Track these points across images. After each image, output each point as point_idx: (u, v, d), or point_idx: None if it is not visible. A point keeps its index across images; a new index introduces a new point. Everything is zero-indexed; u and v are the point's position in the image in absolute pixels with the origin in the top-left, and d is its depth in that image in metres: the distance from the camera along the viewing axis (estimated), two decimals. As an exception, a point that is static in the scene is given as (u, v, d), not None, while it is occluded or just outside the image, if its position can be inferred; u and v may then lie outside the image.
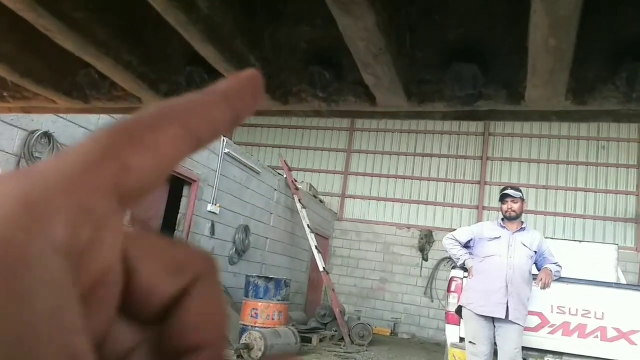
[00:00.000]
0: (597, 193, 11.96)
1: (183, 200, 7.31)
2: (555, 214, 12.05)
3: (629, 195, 11.77)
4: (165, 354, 0.20)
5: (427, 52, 0.79)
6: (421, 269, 12.40)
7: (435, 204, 12.91)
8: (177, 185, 7.19)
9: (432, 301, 12.00)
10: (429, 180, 13.11)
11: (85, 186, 0.16)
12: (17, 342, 0.13)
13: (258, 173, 9.10)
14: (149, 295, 0.19)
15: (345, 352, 7.78)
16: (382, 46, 0.69)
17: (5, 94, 1.10)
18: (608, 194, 11.91)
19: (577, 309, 4.63)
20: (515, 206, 4.28)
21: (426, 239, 12.40)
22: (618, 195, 11.85)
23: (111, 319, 0.19)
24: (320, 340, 8.33)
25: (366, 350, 8.31)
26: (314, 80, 0.84)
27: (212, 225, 7.72)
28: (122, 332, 0.20)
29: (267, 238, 9.67)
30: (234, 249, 8.38)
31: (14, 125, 4.46)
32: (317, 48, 0.83)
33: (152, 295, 0.19)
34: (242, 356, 6.06)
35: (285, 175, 10.27)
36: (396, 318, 12.07)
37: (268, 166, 10.13)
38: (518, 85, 0.79)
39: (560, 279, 4.48)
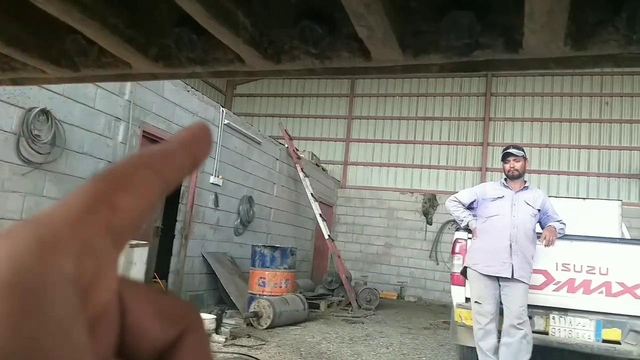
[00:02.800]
0: (601, 150, 11.90)
1: (186, 174, 7.31)
2: (559, 173, 12.02)
3: (633, 151, 11.71)
4: None
5: (422, 1, 0.76)
6: (426, 233, 12.48)
7: (438, 167, 12.89)
8: (179, 158, 7.17)
9: (437, 264, 12.13)
10: (431, 144, 13.05)
11: (87, 226, 0.18)
12: (32, 355, 0.15)
13: (259, 143, 9.07)
14: (142, 338, 0.21)
15: (353, 317, 7.91)
16: (374, -6, 0.66)
17: (-8, 65, 1.08)
18: (612, 151, 11.84)
19: (581, 266, 4.66)
20: (518, 165, 4.26)
21: (430, 203, 12.44)
22: (622, 151, 11.78)
23: (110, 357, 0.20)
24: (328, 306, 8.46)
25: (374, 314, 8.45)
26: (305, 36, 0.82)
27: (216, 197, 7.75)
28: None
29: (271, 208, 9.71)
30: (239, 220, 8.43)
31: (11, 104, 4.42)
32: (308, 2, 0.81)
33: (145, 338, 0.21)
34: (251, 324, 6.16)
35: (286, 145, 10.23)
36: (402, 282, 12.22)
37: (269, 136, 10.08)
38: (515, 32, 0.76)
39: (564, 237, 4.49)
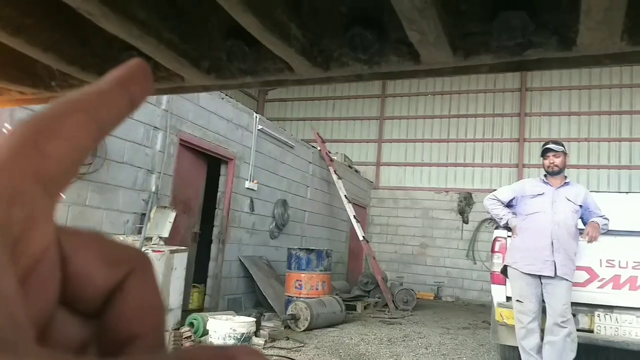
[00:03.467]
0: (643, 142, 11.50)
1: (221, 179, 7.43)
2: (599, 167, 11.67)
3: (677, 142, 11.28)
4: (105, 347, 0.21)
5: (473, 3, 0.77)
6: (462, 232, 12.30)
7: (473, 165, 12.69)
8: (215, 164, 7.30)
9: (475, 263, 11.94)
10: (465, 142, 12.87)
11: (12, 172, 0.17)
12: None
13: (292, 147, 9.14)
14: (85, 284, 0.20)
15: (390, 318, 7.86)
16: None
17: (53, 83, 1.13)
18: (655, 143, 11.44)
19: (627, 262, 4.51)
20: (558, 160, 4.16)
21: (465, 202, 12.26)
22: (666, 142, 11.36)
23: (51, 306, 0.20)
24: (365, 308, 8.44)
25: (411, 315, 8.38)
26: (355, 43, 0.83)
27: (251, 202, 7.84)
28: (68, 326, 0.21)
29: (305, 211, 9.75)
30: (274, 224, 8.51)
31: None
32: (357, 10, 0.82)
33: (89, 284, 0.20)
34: (289, 326, 6.21)
35: (319, 148, 10.27)
36: (439, 282, 12.08)
37: (301, 139, 10.14)
38: (569, 30, 0.76)
39: (608, 232, 4.37)
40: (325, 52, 0.88)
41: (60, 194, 0.19)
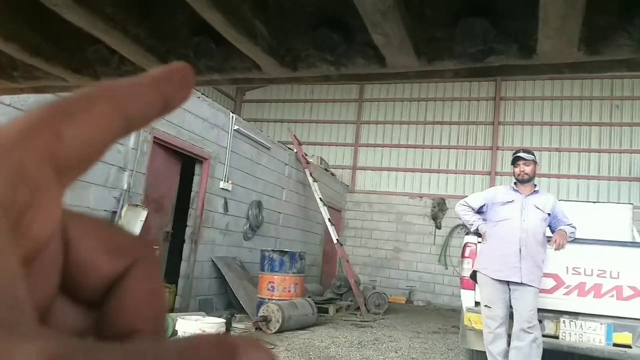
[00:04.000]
0: (612, 153, 11.82)
1: (195, 179, 7.36)
2: (569, 177, 11.95)
3: (644, 155, 11.63)
4: (104, 338, 0.20)
5: (437, 8, 0.78)
6: (435, 237, 12.44)
7: (447, 172, 12.86)
8: (189, 164, 7.23)
9: (447, 268, 12.08)
10: (440, 148, 13.03)
11: (23, 149, 0.16)
12: None
13: (268, 149, 9.11)
14: (88, 272, 0.20)
15: (362, 321, 7.89)
16: (391, 2, 0.68)
17: (15, 74, 1.11)
18: (622, 154, 11.76)
19: (592, 270, 4.62)
20: (528, 169, 4.25)
21: (439, 207, 12.41)
22: (633, 154, 11.70)
23: (53, 291, 0.19)
24: (337, 311, 8.45)
25: (382, 319, 8.43)
26: (322, 44, 0.84)
27: (225, 202, 7.79)
28: (68, 314, 0.20)
29: (280, 213, 9.73)
30: (248, 225, 8.46)
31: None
32: (324, 10, 0.83)
33: (91, 273, 0.20)
34: (260, 328, 6.18)
35: (295, 150, 10.26)
36: (411, 286, 12.19)
37: (278, 141, 10.12)
38: (529, 38, 0.78)
39: (575, 240, 4.48)
40: (292, 51, 0.88)
41: (73, 179, 0.18)
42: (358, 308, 8.88)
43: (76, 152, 0.17)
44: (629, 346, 4.35)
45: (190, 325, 4.19)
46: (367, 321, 7.94)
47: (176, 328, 4.89)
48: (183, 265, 7.18)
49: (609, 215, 6.04)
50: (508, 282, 4.14)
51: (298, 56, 0.88)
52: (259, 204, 8.69)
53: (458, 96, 13.12)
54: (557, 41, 0.76)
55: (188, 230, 7.24)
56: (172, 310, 6.74)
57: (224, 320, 4.67)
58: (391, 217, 12.89)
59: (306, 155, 10.56)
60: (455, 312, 9.45)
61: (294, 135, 10.71)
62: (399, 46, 0.79)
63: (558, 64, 0.85)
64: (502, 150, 12.28)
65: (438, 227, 12.43)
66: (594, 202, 6.88)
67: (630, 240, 5.62)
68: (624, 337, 4.41)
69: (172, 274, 7.11)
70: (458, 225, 11.48)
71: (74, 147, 0.17)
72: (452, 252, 11.82)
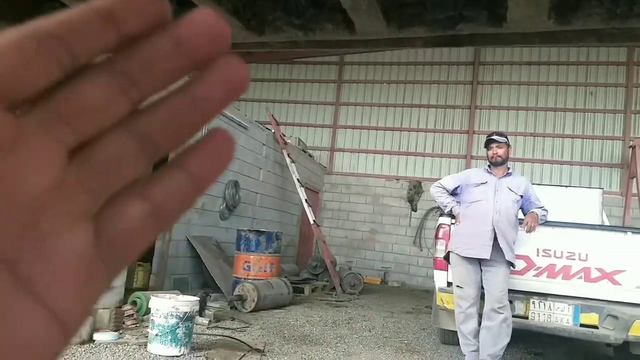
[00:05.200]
0: (585, 139, 12.05)
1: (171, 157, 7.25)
2: (543, 161, 12.15)
3: (615, 141, 11.87)
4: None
5: (405, -30, 0.76)
6: (410, 219, 12.57)
7: (424, 155, 12.95)
8: (164, 141, 7.11)
9: (421, 250, 12.24)
10: (417, 132, 13.09)
11: None
12: None
13: (246, 128, 9.02)
14: None
15: (337, 301, 7.96)
16: (357, -41, 0.65)
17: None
18: (595, 140, 12.00)
19: (562, 252, 4.73)
20: (501, 151, 4.29)
21: (415, 190, 12.51)
22: (605, 141, 11.94)
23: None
24: (313, 291, 8.50)
25: (357, 299, 8.52)
26: (289, 7, 0.81)
27: (201, 181, 7.70)
28: None
29: (257, 193, 9.68)
30: (225, 205, 8.40)
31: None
32: (290, -30, 0.79)
33: None
34: (236, 307, 6.18)
35: (273, 130, 10.19)
36: (386, 267, 12.33)
37: (256, 121, 10.02)
38: (499, 6, 0.77)
39: (546, 223, 4.56)
40: (258, 15, 0.85)
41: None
42: (333, 288, 8.96)
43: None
44: (595, 327, 4.47)
45: (163, 303, 4.16)
46: (342, 301, 8.01)
47: (149, 306, 4.86)
48: (157, 244, 7.11)
49: (580, 199, 6.16)
50: (480, 263, 4.20)
51: (265, 20, 0.86)
52: (235, 184, 8.63)
53: (436, 80, 13.16)
54: (527, 9, 0.74)
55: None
56: (146, 288, 6.69)
57: (198, 299, 4.65)
58: (368, 199, 12.96)
59: (284, 135, 10.49)
60: (428, 293, 9.59)
61: (272, 116, 10.62)
62: (367, 10, 0.76)
63: (529, 33, 0.84)
64: (478, 134, 12.39)
65: (414, 209, 12.55)
66: (566, 186, 7.00)
67: (599, 224, 5.75)
68: (591, 318, 4.53)
69: (146, 253, 7.02)
70: (433, 208, 11.60)
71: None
72: (427, 234, 11.96)
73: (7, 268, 0.16)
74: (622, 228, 5.51)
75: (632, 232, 4.78)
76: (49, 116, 0.18)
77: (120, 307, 5.06)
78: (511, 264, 4.24)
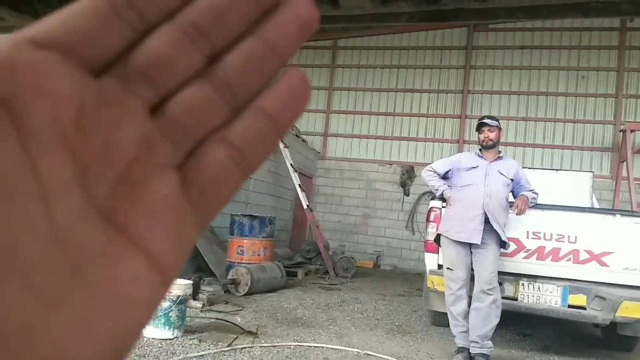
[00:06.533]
0: (576, 123, 12.09)
1: (162, 142, 7.22)
2: (534, 145, 12.21)
3: (606, 125, 11.93)
4: None
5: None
6: (403, 204, 12.63)
7: (417, 139, 12.96)
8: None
9: (414, 234, 12.32)
10: (410, 116, 13.09)
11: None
12: None
13: (238, 112, 8.98)
14: None
15: (329, 284, 8.03)
16: None
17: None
18: (586, 124, 12.05)
19: (551, 234, 4.78)
20: (492, 135, 4.31)
21: (407, 175, 12.55)
22: (596, 125, 12.00)
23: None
24: (306, 274, 8.56)
25: (350, 282, 8.59)
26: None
27: (194, 166, 7.69)
28: None
29: (251, 178, 9.68)
30: (217, 189, 8.40)
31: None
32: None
33: None
34: (229, 291, 6.22)
35: (266, 115, 10.14)
36: (379, 251, 12.41)
37: (248, 105, 9.97)
38: (481, -19, 0.77)
39: (536, 206, 4.61)
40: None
41: None
42: (327, 272, 9.02)
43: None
44: (583, 307, 4.55)
45: (156, 286, 4.19)
46: (335, 284, 8.08)
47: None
48: (150, 229, 7.11)
49: (571, 182, 6.22)
50: (470, 245, 4.24)
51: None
52: (228, 169, 8.61)
53: (429, 64, 13.13)
54: (508, -16, 0.75)
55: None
56: (139, 273, 6.71)
57: (191, 282, 4.68)
58: (361, 184, 12.99)
59: (277, 120, 10.44)
60: (420, 276, 9.67)
61: (265, 100, 10.56)
62: (350, -15, 0.76)
63: (513, 7, 0.84)
64: (471, 118, 12.41)
65: (406, 194, 12.61)
66: (557, 170, 7.06)
67: (589, 207, 5.81)
68: (579, 299, 4.60)
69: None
70: (426, 192, 11.66)
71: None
72: (420, 219, 12.03)
73: (105, 218, 0.18)
74: (611, 210, 5.57)
75: (621, 215, 4.84)
76: (126, 75, 0.19)
77: (113, 291, 5.07)
78: (503, 245, 4.28)
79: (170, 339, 4.01)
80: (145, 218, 0.18)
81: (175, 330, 4.08)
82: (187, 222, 0.20)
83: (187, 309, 4.45)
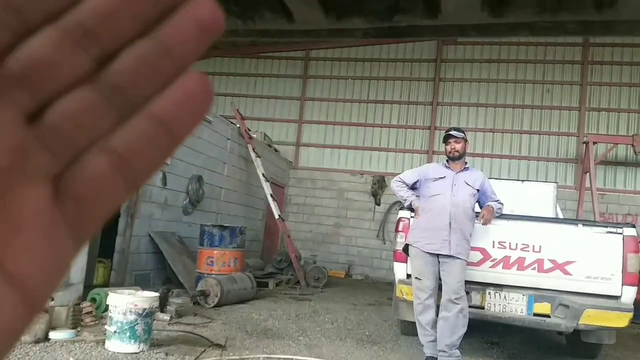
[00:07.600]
0: (541, 135, 12.42)
1: (131, 151, 7.10)
2: (501, 157, 12.48)
3: (570, 137, 12.29)
4: None
5: (341, -40, 0.77)
6: (374, 214, 12.70)
7: (387, 150, 13.09)
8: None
9: (385, 243, 12.39)
10: (381, 127, 13.22)
11: None
12: None
13: (210, 122, 8.91)
14: None
15: (300, 294, 7.99)
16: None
17: None
18: (551, 136, 12.39)
19: (517, 244, 4.86)
20: (458, 146, 4.39)
21: (378, 184, 12.65)
22: (560, 137, 12.35)
23: None
24: (277, 285, 8.51)
25: (321, 292, 8.57)
26: (228, -6, 0.81)
27: (164, 176, 7.58)
28: None
29: (222, 188, 9.60)
30: (188, 200, 8.30)
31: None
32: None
33: None
34: (199, 303, 6.12)
35: (238, 125, 10.11)
36: (350, 261, 12.44)
37: (221, 115, 9.92)
38: (433, -2, 0.79)
39: (501, 216, 4.69)
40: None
41: None
42: (298, 282, 8.98)
43: None
44: (547, 316, 4.63)
45: (121, 299, 4.09)
46: (306, 294, 8.04)
47: (107, 302, 4.77)
48: (118, 240, 6.97)
49: (535, 193, 6.36)
50: (438, 255, 4.29)
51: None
52: (199, 179, 8.53)
53: (400, 76, 13.32)
54: (460, 1, 0.77)
55: (123, 205, 7.01)
56: (106, 285, 6.56)
57: (158, 295, 4.59)
58: (333, 193, 13.02)
59: (249, 130, 10.42)
60: (391, 285, 9.70)
61: (237, 110, 10.53)
62: (305, -1, 0.77)
63: (464, 25, 0.86)
64: (440, 130, 12.60)
65: (377, 203, 12.69)
66: (523, 180, 7.21)
67: (552, 217, 5.95)
68: (544, 307, 4.69)
69: (107, 249, 6.90)
70: (396, 202, 11.75)
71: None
72: (390, 228, 12.10)
73: None
74: (574, 220, 5.71)
75: (583, 224, 4.97)
76: (0, 81, 0.17)
77: (79, 304, 4.95)
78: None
79: (136, 353, 3.92)
80: (9, 235, 0.16)
81: (141, 344, 3.99)
82: (59, 237, 0.18)
83: (154, 321, 4.36)
